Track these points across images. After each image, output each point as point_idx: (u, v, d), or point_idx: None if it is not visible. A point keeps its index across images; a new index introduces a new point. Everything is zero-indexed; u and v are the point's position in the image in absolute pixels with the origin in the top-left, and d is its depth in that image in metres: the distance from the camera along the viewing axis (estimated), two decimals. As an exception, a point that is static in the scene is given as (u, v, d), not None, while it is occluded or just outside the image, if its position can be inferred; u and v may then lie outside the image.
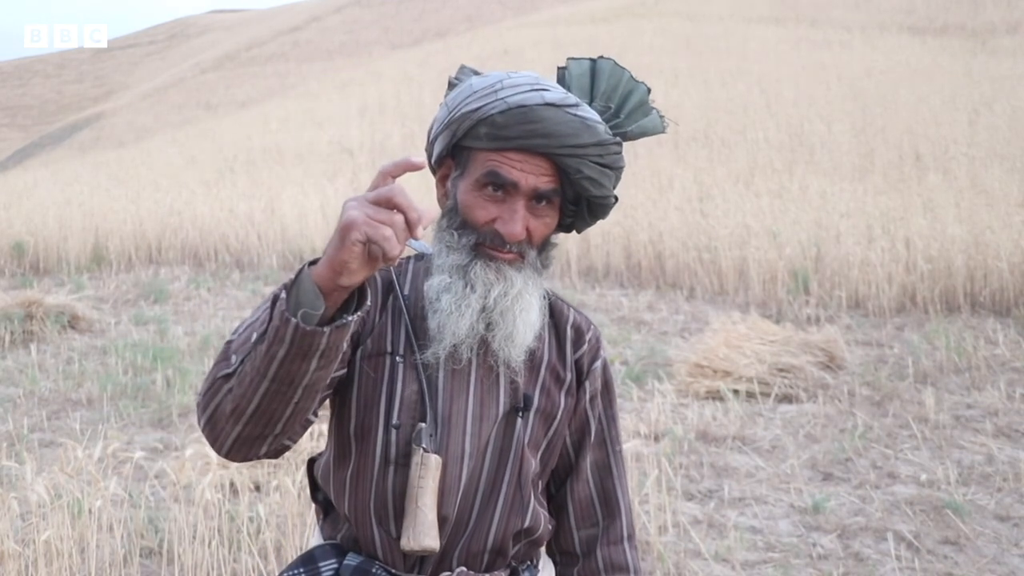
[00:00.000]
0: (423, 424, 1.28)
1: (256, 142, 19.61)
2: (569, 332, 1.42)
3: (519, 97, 1.26)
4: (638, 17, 31.59)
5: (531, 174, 1.26)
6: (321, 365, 1.10)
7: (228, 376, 1.14)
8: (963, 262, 7.75)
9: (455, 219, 1.29)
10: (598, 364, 1.44)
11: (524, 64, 24.16)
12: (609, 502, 1.45)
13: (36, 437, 5.00)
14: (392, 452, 1.29)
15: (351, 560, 1.32)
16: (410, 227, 1.02)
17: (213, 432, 1.17)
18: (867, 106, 16.52)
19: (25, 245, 10.64)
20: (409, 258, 1.40)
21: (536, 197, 1.28)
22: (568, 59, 1.38)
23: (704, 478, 4.43)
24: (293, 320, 1.05)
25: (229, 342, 1.16)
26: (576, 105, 1.28)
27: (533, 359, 1.36)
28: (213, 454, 3.76)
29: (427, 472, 1.26)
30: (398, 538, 1.28)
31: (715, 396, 5.53)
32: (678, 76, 20.56)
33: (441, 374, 1.31)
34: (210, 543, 3.38)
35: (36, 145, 37.36)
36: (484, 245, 1.27)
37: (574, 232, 1.44)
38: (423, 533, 1.25)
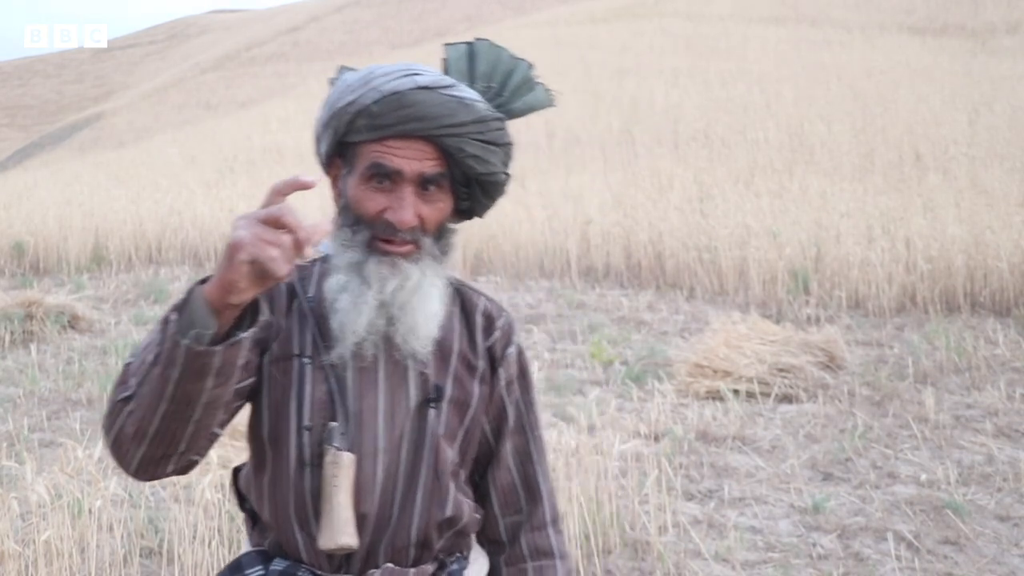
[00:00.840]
0: (334, 423, 1.28)
1: (256, 142, 19.62)
2: (479, 320, 1.41)
3: (392, 84, 1.26)
4: (638, 17, 31.59)
5: (414, 159, 1.26)
6: (218, 383, 1.10)
7: (127, 399, 1.14)
8: (963, 262, 7.75)
9: (348, 216, 1.29)
10: (512, 350, 1.42)
11: (524, 64, 24.13)
12: (531, 488, 1.44)
13: (36, 437, 5.00)
14: (306, 454, 1.29)
15: (277, 565, 1.32)
16: (298, 246, 1.02)
17: (118, 454, 1.18)
18: (867, 106, 16.53)
19: (25, 245, 10.64)
20: (315, 260, 1.40)
21: (423, 182, 1.27)
22: (444, 45, 1.38)
23: (704, 478, 4.43)
24: (183, 342, 1.05)
25: (128, 364, 1.16)
26: (451, 86, 1.28)
27: (443, 349, 1.36)
28: (213, 453, 3.75)
29: (340, 470, 1.26)
30: None
31: (715, 396, 5.52)
32: (678, 76, 20.56)
33: (350, 372, 1.31)
34: (210, 543, 3.39)
35: (36, 145, 37.35)
36: (378, 239, 1.27)
37: (477, 218, 1.43)
38: (339, 531, 1.25)
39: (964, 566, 3.55)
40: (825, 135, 14.55)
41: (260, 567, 1.33)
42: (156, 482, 4.11)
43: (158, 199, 12.77)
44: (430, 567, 1.35)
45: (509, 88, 1.35)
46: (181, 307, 1.08)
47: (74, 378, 6.13)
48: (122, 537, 3.55)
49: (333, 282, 1.29)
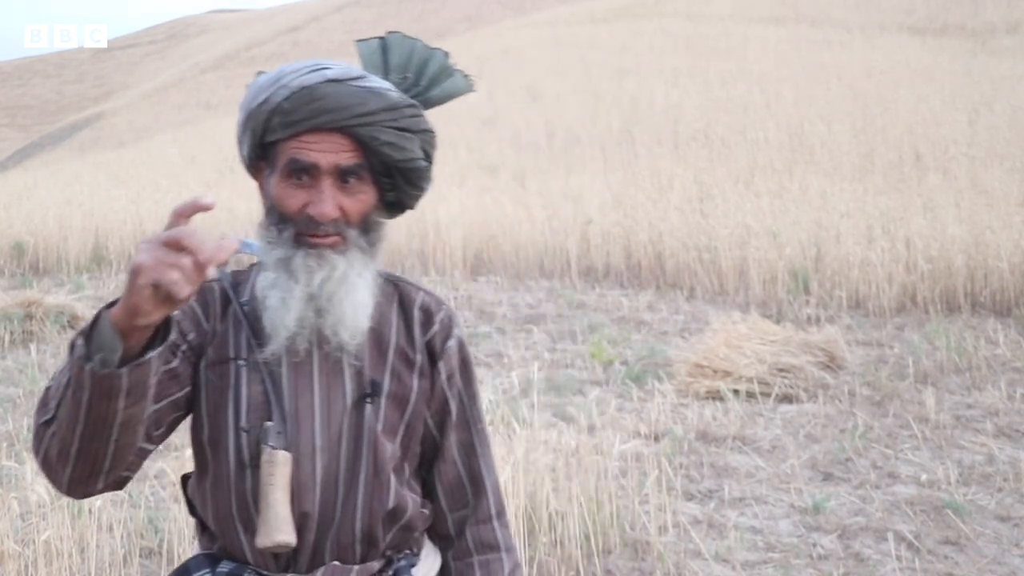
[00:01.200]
0: (269, 423, 1.29)
1: (256, 142, 19.58)
2: (417, 314, 1.41)
3: (301, 80, 1.28)
4: (638, 17, 31.59)
5: (329, 152, 1.27)
6: (130, 403, 1.11)
7: (48, 422, 1.15)
8: (963, 262, 7.75)
9: (273, 215, 1.30)
10: (452, 343, 1.41)
11: (524, 64, 24.19)
12: (475, 481, 1.44)
13: (36, 437, 4.99)
14: (245, 455, 1.30)
15: (224, 568, 1.33)
16: (199, 268, 1.02)
17: (48, 475, 1.20)
18: (867, 106, 16.53)
19: (25, 245, 10.64)
20: (252, 265, 1.41)
21: (342, 174, 1.28)
22: (356, 41, 1.40)
23: (704, 478, 4.42)
24: (88, 366, 1.06)
25: (48, 388, 1.17)
26: (360, 77, 1.29)
27: (380, 343, 1.36)
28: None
29: (275, 468, 1.26)
30: None
31: (715, 396, 5.52)
32: (678, 76, 20.56)
33: (285, 371, 1.32)
34: (210, 543, 3.38)
35: (36, 145, 37.36)
36: (303, 234, 1.28)
37: (408, 211, 1.43)
38: (275, 529, 1.25)
39: (964, 566, 3.55)
40: (825, 135, 14.55)
41: (207, 570, 1.34)
42: (156, 482, 4.13)
43: (158, 199, 12.77)
44: (376, 564, 1.35)
45: (426, 77, 1.36)
46: (88, 332, 1.09)
47: (74, 378, 6.12)
48: (122, 537, 3.55)
49: (261, 280, 1.30)
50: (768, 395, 5.49)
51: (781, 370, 5.70)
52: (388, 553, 1.37)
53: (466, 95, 1.42)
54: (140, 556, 3.53)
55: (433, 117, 1.39)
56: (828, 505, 4.05)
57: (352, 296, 1.29)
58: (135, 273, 1.01)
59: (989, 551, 3.67)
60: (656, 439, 4.84)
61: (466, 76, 1.39)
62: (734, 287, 8.43)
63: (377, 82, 1.30)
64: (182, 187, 14.14)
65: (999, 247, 7.74)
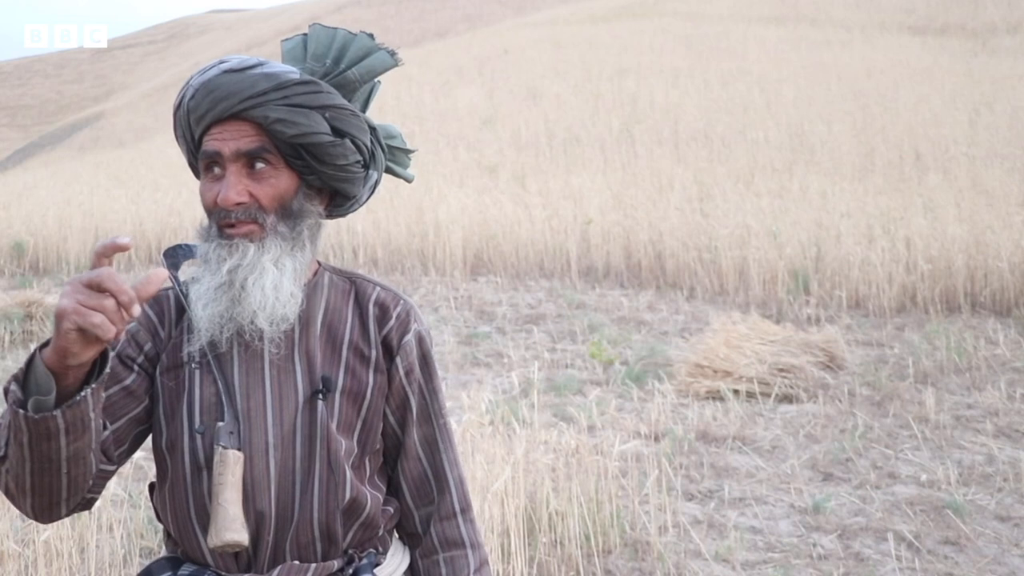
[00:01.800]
0: (221, 423, 1.29)
1: (256, 142, 19.58)
2: (372, 309, 1.40)
3: (202, 77, 1.31)
4: (638, 17, 31.59)
5: (230, 139, 1.28)
6: (72, 440, 1.12)
7: (2, 459, 1.16)
8: (963, 262, 7.75)
9: (204, 215, 1.32)
10: (410, 338, 1.40)
11: (524, 64, 24.17)
12: (439, 477, 1.43)
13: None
14: (200, 457, 1.30)
15: (185, 570, 1.33)
16: (124, 308, 1.03)
17: (14, 504, 1.22)
18: (867, 106, 16.53)
19: (25, 245, 10.65)
20: None
21: (248, 160, 1.29)
22: (281, 40, 1.42)
23: (704, 478, 4.42)
24: (21, 412, 1.08)
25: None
26: (257, 65, 1.31)
27: (334, 340, 1.36)
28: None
29: (225, 468, 1.26)
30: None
31: (715, 396, 5.52)
32: (678, 76, 20.55)
33: (236, 372, 1.32)
34: (210, 543, 3.38)
35: (36, 145, 37.36)
36: (220, 226, 1.29)
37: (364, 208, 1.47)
38: (225, 528, 1.25)
39: (964, 566, 3.55)
40: (825, 135, 14.55)
41: (169, 573, 1.34)
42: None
43: (158, 199, 12.78)
44: (337, 563, 1.34)
45: (345, 60, 1.37)
46: (22, 376, 1.10)
47: (74, 378, 6.13)
48: (122, 537, 3.55)
49: (187, 276, 1.32)
50: (768, 395, 5.49)
51: (781, 370, 5.70)
52: (350, 552, 1.36)
53: (393, 68, 1.42)
54: (140, 556, 3.53)
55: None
56: (828, 505, 4.05)
57: (262, 281, 1.28)
58: (59, 317, 1.03)
59: (989, 551, 3.67)
60: (656, 439, 4.84)
61: (392, 53, 1.40)
62: (734, 287, 8.43)
63: (275, 67, 1.32)
64: (182, 187, 14.14)
65: (999, 247, 7.74)
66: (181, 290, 1.36)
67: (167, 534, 1.41)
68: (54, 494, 1.18)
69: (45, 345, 1.09)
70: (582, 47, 26.00)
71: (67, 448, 1.12)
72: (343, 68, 1.36)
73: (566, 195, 11.29)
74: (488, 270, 9.74)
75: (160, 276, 1.06)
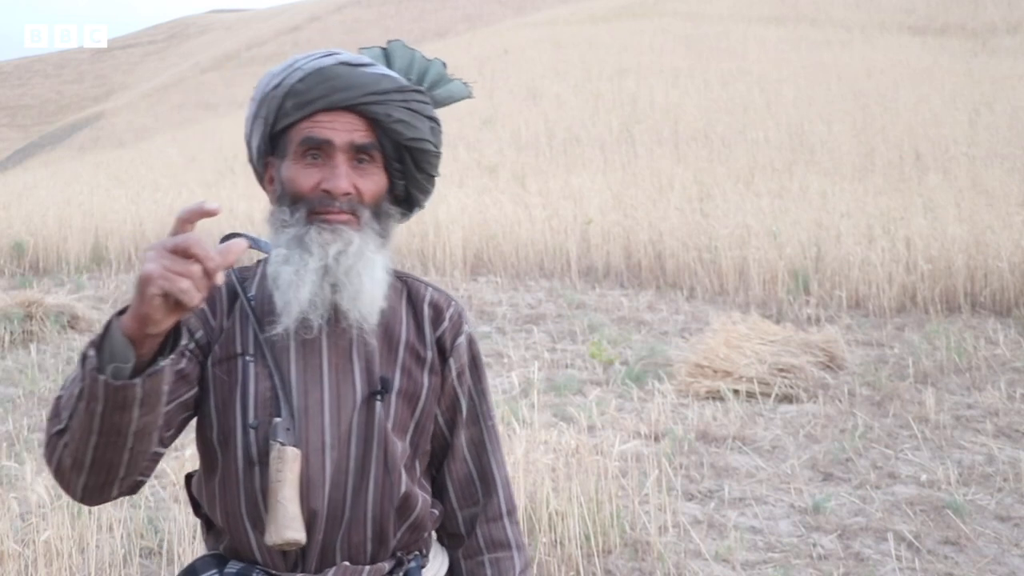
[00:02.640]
0: (278, 419, 1.27)
1: (256, 142, 19.58)
2: (427, 310, 1.40)
3: (314, 63, 1.30)
4: (638, 17, 31.59)
5: (343, 131, 1.28)
6: (144, 412, 1.10)
7: (61, 432, 1.14)
8: (963, 262, 7.75)
9: (285, 199, 1.30)
10: (462, 340, 1.41)
11: (524, 64, 24.17)
12: (486, 479, 1.43)
13: (36, 437, 4.99)
14: (254, 452, 1.28)
15: (231, 568, 1.31)
16: (208, 275, 1.01)
17: (62, 483, 1.19)
18: (867, 106, 16.52)
19: (25, 245, 10.64)
20: (259, 261, 1.40)
21: (356, 153, 1.29)
22: (360, 49, 1.42)
23: (704, 478, 4.42)
24: (101, 377, 1.05)
25: (59, 397, 1.16)
26: (371, 64, 1.32)
27: (391, 340, 1.35)
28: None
29: (284, 465, 1.25)
30: None
31: (715, 396, 5.52)
32: (678, 76, 20.55)
33: (294, 368, 1.31)
34: (210, 543, 3.38)
35: (36, 145, 37.36)
36: (315, 212, 1.27)
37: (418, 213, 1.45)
38: (284, 526, 1.23)
39: (964, 566, 3.55)
40: (825, 135, 14.55)
41: (215, 570, 1.33)
42: (156, 482, 4.13)
43: (158, 199, 12.78)
44: (387, 564, 1.34)
45: (426, 82, 1.39)
46: (99, 342, 1.08)
47: (74, 378, 6.12)
48: (122, 537, 3.55)
49: (274, 257, 1.29)
50: (768, 395, 5.49)
51: (781, 370, 5.70)
52: (398, 553, 1.36)
53: (467, 99, 1.44)
54: (140, 556, 3.53)
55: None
56: (828, 505, 4.05)
57: (370, 271, 1.28)
58: (144, 283, 1.00)
59: (989, 551, 3.67)
60: (656, 439, 4.84)
61: (465, 83, 1.42)
62: (734, 287, 8.43)
63: (385, 70, 1.33)
64: (182, 187, 14.14)
65: (999, 247, 7.74)
66: (237, 279, 1.35)
67: (206, 527, 1.39)
68: (112, 471, 1.15)
69: (121, 313, 1.07)
70: (582, 47, 26.00)
71: (138, 421, 1.10)
72: (427, 88, 1.38)
73: (566, 195, 11.29)
74: (488, 270, 9.74)
75: (240, 245, 1.05)
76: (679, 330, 7.34)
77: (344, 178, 1.27)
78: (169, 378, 1.12)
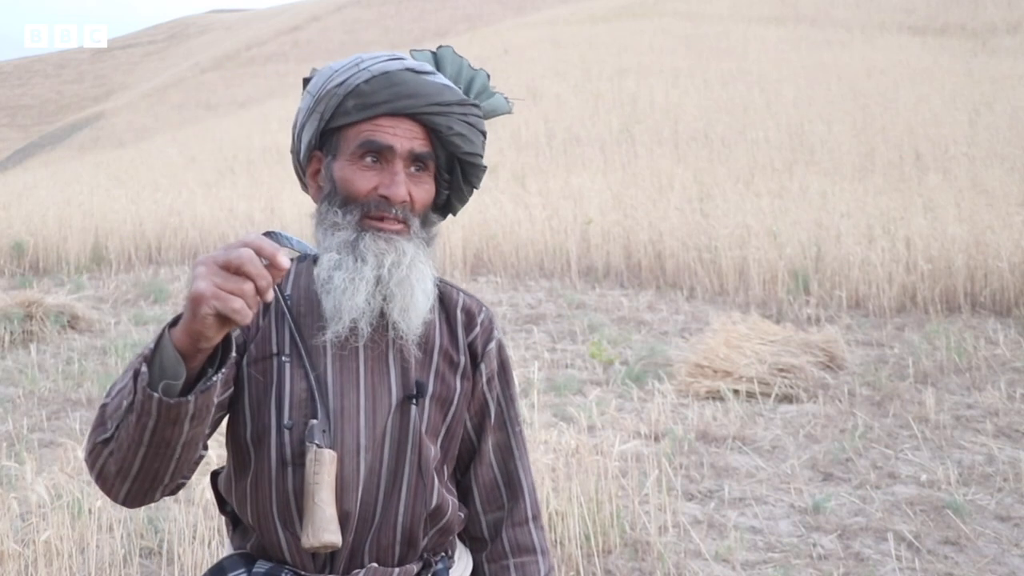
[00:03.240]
0: (314, 421, 1.27)
1: (256, 142, 19.62)
2: (460, 316, 1.41)
3: (381, 65, 1.30)
4: (638, 17, 31.59)
5: (404, 138, 1.28)
6: (195, 425, 1.10)
7: (107, 441, 1.14)
8: (963, 262, 7.75)
9: (335, 199, 1.30)
10: (492, 345, 1.42)
11: (524, 64, 24.18)
12: (512, 484, 1.44)
13: (36, 437, 4.99)
14: (287, 453, 1.28)
15: (260, 567, 1.31)
16: (260, 294, 1.01)
17: (105, 488, 1.19)
18: (867, 106, 16.52)
19: (25, 245, 10.65)
20: (293, 259, 1.40)
21: (413, 161, 1.30)
22: (411, 51, 1.41)
23: (704, 478, 4.42)
24: (155, 395, 1.05)
25: (104, 405, 1.15)
26: (433, 72, 1.33)
27: (425, 345, 1.36)
28: (212, 454, 3.76)
29: (321, 467, 1.25)
30: None
31: (715, 396, 5.52)
32: (678, 76, 20.55)
33: (330, 370, 1.30)
34: (210, 543, 3.38)
35: (36, 145, 37.36)
36: (369, 217, 1.27)
37: (451, 216, 1.45)
38: (322, 529, 1.23)
39: (964, 566, 3.55)
40: (825, 135, 14.55)
41: (243, 569, 1.32)
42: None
43: (158, 199, 12.78)
44: (415, 566, 1.34)
45: (473, 92, 1.39)
46: (151, 357, 1.08)
47: (74, 378, 6.13)
48: (122, 537, 3.55)
49: (326, 261, 1.28)
50: (768, 395, 5.49)
51: (781, 370, 5.70)
52: (425, 556, 1.36)
53: (507, 115, 1.45)
54: (140, 556, 3.53)
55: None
56: (828, 505, 4.05)
57: (422, 283, 1.29)
58: (196, 302, 1.00)
59: (989, 551, 3.67)
60: (656, 439, 4.84)
61: (507, 99, 1.42)
62: (734, 287, 8.43)
63: (446, 79, 1.34)
64: (182, 187, 14.14)
65: (999, 247, 7.74)
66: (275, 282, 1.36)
67: (231, 525, 1.39)
68: (158, 479, 1.16)
69: (173, 322, 1.07)
70: (582, 47, 26.00)
71: (187, 433, 1.10)
72: (473, 99, 1.38)
73: (566, 195, 11.30)
74: (488, 270, 9.74)
75: (286, 264, 1.03)
76: (679, 330, 7.34)
77: (403, 186, 1.27)
78: (219, 391, 1.12)
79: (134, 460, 1.12)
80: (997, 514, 4.00)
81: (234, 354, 1.12)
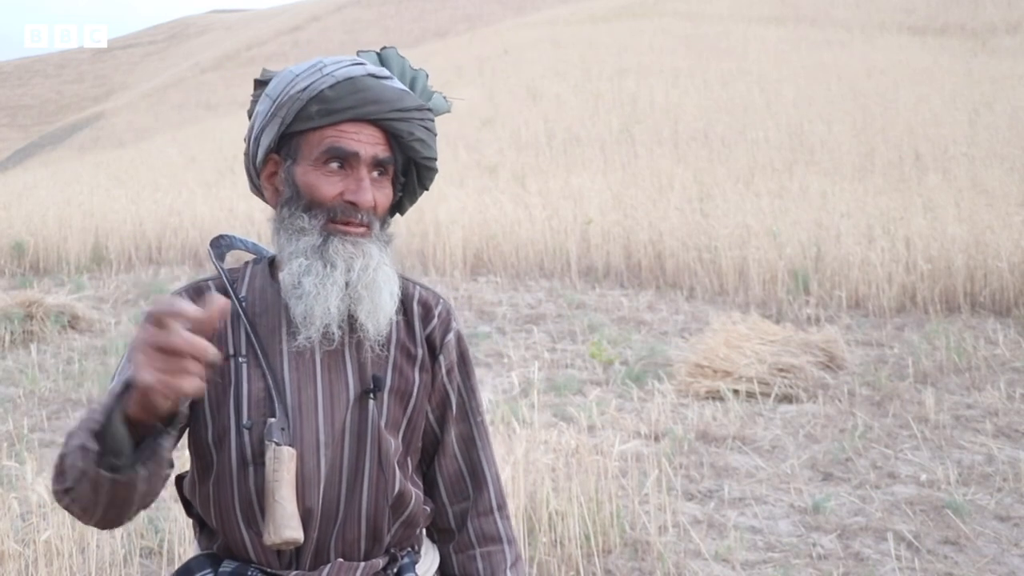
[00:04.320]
0: (273, 419, 1.28)
1: (256, 142, 19.58)
2: (416, 308, 1.42)
3: (344, 70, 1.30)
4: (638, 17, 31.60)
5: (368, 143, 1.30)
6: (150, 477, 1.12)
7: (67, 491, 1.15)
8: (963, 262, 7.75)
9: (298, 203, 1.31)
10: (451, 337, 1.42)
11: (524, 64, 24.18)
12: (476, 474, 1.45)
13: (36, 437, 5.00)
14: (248, 453, 1.29)
15: (226, 567, 1.32)
16: (203, 360, 1.02)
17: (76, 518, 1.21)
18: (867, 106, 16.53)
19: (25, 245, 10.65)
20: (247, 262, 1.41)
21: (376, 167, 1.31)
22: (358, 52, 1.42)
23: (704, 478, 4.42)
24: (105, 474, 1.07)
25: (63, 455, 1.16)
26: (391, 77, 1.34)
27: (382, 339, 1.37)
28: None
29: (281, 465, 1.25)
30: None
31: (715, 396, 5.52)
32: (678, 76, 20.55)
33: (287, 368, 1.31)
34: (210, 543, 3.38)
35: (36, 145, 37.36)
36: (334, 221, 1.29)
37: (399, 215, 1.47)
38: (283, 526, 1.24)
39: (964, 566, 3.55)
40: (825, 135, 14.55)
41: (209, 570, 1.33)
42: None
43: (158, 199, 12.79)
44: (381, 561, 1.35)
45: (416, 92, 1.41)
46: (100, 432, 1.08)
47: (74, 378, 6.13)
48: (122, 537, 3.55)
49: (295, 266, 1.29)
50: (768, 395, 5.49)
51: (781, 370, 5.70)
52: (392, 550, 1.37)
53: (445, 114, 1.46)
54: (140, 556, 3.53)
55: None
56: (828, 505, 4.05)
57: (389, 285, 1.31)
58: (144, 394, 1.02)
59: (989, 551, 3.67)
60: (656, 439, 4.84)
61: (445, 98, 1.44)
62: (734, 287, 8.44)
63: (403, 84, 1.36)
64: (182, 187, 14.14)
65: (999, 247, 7.74)
66: (228, 281, 1.36)
67: (199, 527, 1.40)
68: (123, 515, 1.19)
69: (122, 392, 1.07)
70: (582, 47, 26.01)
71: (144, 484, 1.13)
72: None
73: (566, 195, 11.30)
74: (488, 270, 9.74)
75: (224, 307, 1.04)
76: (679, 330, 7.35)
77: (369, 192, 1.29)
78: (171, 443, 1.14)
79: (95, 508, 1.15)
80: (997, 514, 4.00)
81: (184, 410, 1.13)
